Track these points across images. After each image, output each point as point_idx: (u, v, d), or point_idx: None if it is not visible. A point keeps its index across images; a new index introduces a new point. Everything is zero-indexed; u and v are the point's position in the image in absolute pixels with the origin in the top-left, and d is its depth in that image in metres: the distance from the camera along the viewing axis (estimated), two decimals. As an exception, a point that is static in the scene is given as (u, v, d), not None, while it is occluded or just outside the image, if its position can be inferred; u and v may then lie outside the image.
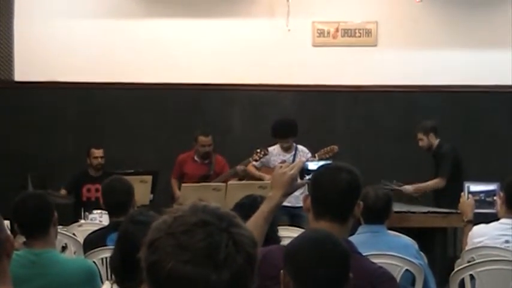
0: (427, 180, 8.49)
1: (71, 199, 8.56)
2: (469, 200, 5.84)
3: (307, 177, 3.06)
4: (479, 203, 6.21)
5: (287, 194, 2.98)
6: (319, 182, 3.07)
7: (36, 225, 3.78)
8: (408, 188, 8.43)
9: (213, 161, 8.73)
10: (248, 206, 4.21)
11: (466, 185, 6.38)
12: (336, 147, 8.29)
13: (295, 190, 3.03)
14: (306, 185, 3.16)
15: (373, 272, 2.98)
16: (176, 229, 1.53)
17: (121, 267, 3.07)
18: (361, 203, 3.13)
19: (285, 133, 8.47)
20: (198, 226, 1.53)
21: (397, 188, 8.32)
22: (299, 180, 3.00)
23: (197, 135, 8.69)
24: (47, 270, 3.74)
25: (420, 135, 8.49)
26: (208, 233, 1.52)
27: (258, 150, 8.45)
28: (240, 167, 8.46)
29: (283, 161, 8.35)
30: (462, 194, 6.05)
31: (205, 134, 8.68)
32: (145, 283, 1.57)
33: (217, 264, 1.50)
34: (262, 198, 4.52)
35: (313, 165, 3.12)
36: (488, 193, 6.38)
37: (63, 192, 8.68)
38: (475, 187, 6.38)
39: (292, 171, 2.96)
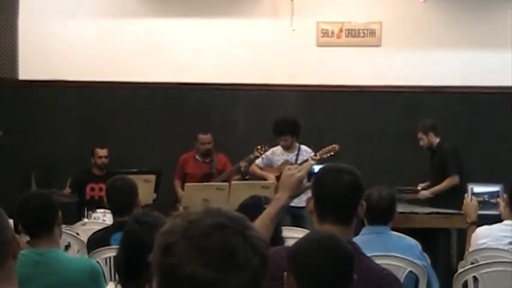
0: (432, 181, 8.51)
1: (75, 198, 8.57)
2: (473, 201, 5.84)
3: None
4: (483, 205, 6.21)
5: (294, 195, 2.99)
6: (321, 183, 3.08)
7: (41, 224, 3.77)
8: (424, 193, 8.45)
9: (215, 159, 8.77)
10: (252, 207, 4.23)
11: (470, 186, 6.38)
12: (336, 146, 8.30)
13: (302, 192, 3.04)
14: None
15: (378, 273, 2.98)
16: (194, 232, 1.54)
17: (125, 267, 3.08)
18: (364, 203, 3.14)
19: (282, 130, 8.49)
20: (216, 229, 1.54)
21: (412, 196, 8.36)
22: (306, 183, 3.02)
23: (196, 133, 8.75)
24: (51, 270, 3.73)
25: (420, 135, 8.55)
26: (226, 235, 1.54)
27: (259, 147, 8.48)
28: (242, 163, 8.49)
29: (286, 161, 8.38)
30: (466, 195, 6.05)
31: (205, 132, 8.74)
32: (155, 285, 1.57)
33: (236, 266, 1.52)
34: (266, 198, 4.53)
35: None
36: (492, 194, 6.37)
37: (67, 191, 8.69)
38: (478, 188, 6.38)
39: (300, 173, 2.97)
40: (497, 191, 5.90)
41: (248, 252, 1.54)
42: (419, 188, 8.61)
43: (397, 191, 7.96)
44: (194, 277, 1.51)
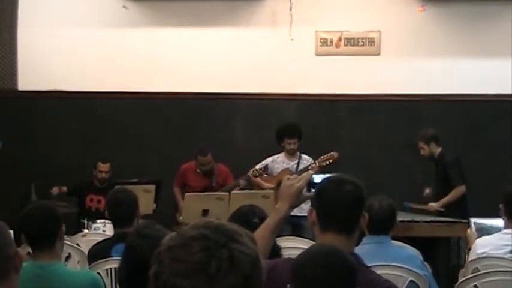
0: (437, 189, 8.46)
1: (73, 208, 8.56)
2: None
3: (314, 190, 3.06)
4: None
5: (294, 206, 2.98)
6: (323, 195, 3.05)
7: (43, 237, 3.76)
8: (433, 205, 8.30)
9: (215, 172, 8.70)
10: (242, 216, 4.19)
11: (473, 220, 6.48)
12: (335, 154, 8.31)
13: (302, 202, 3.03)
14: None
15: (380, 285, 2.97)
16: (175, 242, 1.58)
17: (127, 280, 3.08)
18: (366, 215, 3.12)
19: (291, 133, 8.49)
20: (195, 239, 1.56)
21: (421, 207, 8.28)
22: (306, 193, 3.00)
23: (196, 155, 8.68)
24: (53, 284, 3.71)
25: (421, 144, 8.43)
26: (204, 246, 1.55)
27: (257, 168, 8.44)
28: (242, 181, 8.46)
29: (286, 169, 8.38)
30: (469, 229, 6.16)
31: (204, 153, 8.63)
32: None
33: (209, 278, 1.52)
34: (258, 208, 4.47)
35: (319, 178, 3.11)
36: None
37: (63, 189, 8.70)
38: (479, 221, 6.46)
39: (299, 183, 2.96)
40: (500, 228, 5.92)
41: (224, 266, 1.53)
42: (426, 190, 8.51)
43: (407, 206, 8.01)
44: (168, 285, 1.54)
